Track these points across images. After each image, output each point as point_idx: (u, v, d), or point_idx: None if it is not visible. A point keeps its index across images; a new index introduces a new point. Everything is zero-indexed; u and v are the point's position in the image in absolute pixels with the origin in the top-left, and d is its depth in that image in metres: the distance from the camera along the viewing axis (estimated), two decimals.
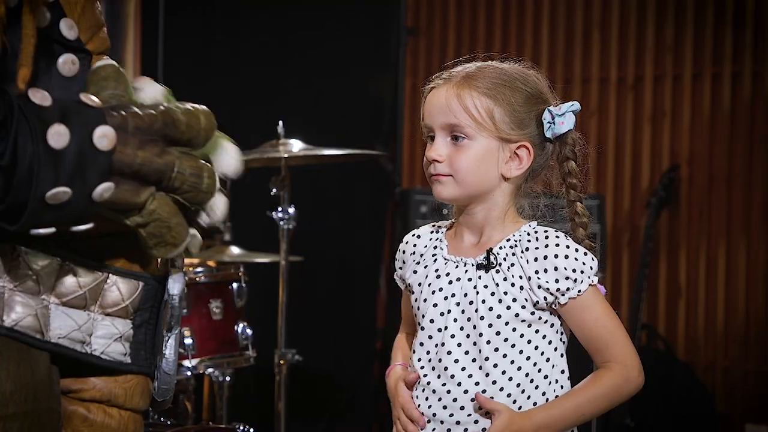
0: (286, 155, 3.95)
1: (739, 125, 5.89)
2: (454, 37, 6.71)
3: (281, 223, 4.00)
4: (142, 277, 1.83)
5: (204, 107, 1.77)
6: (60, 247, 1.75)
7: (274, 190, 3.99)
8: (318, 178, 5.90)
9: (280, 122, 4.03)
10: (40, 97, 1.59)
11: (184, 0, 5.67)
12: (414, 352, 2.45)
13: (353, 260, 6.59)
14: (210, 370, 3.74)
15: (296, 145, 4.04)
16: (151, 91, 1.75)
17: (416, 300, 2.45)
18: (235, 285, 3.84)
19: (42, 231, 1.63)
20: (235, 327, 3.80)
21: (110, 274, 1.80)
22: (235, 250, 4.50)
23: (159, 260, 1.89)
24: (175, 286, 1.86)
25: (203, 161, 1.76)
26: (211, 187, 1.74)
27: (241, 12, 6.07)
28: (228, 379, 3.97)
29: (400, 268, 2.55)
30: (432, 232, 2.52)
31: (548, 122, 2.37)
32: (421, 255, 2.49)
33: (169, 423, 3.56)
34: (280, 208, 3.99)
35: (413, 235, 2.56)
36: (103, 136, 1.60)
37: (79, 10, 1.85)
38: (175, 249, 1.76)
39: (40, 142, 1.55)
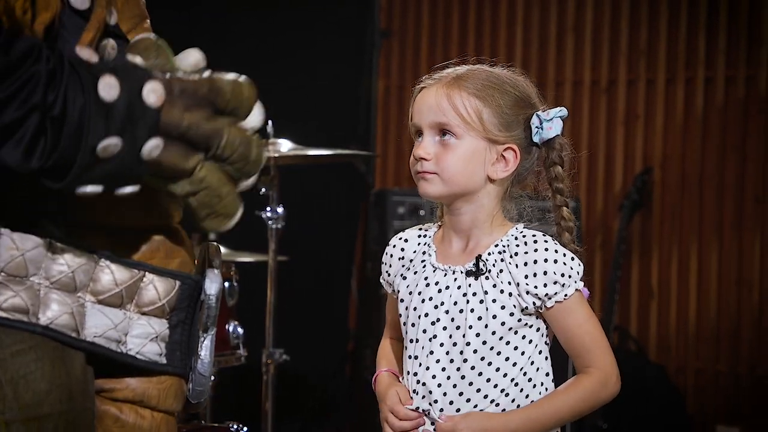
0: (275, 155, 3.95)
1: (712, 129, 5.95)
2: (428, 40, 6.74)
3: (270, 222, 4.00)
4: (179, 276, 1.80)
5: (246, 78, 1.75)
6: (97, 243, 1.73)
7: (263, 190, 3.99)
8: (292, 179, 5.89)
9: (269, 122, 4.02)
10: (88, 53, 1.58)
11: (165, 3, 5.66)
12: (407, 361, 2.45)
13: (327, 261, 6.59)
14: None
15: (285, 145, 4.04)
16: (192, 58, 1.75)
17: (406, 309, 2.46)
18: (226, 284, 3.83)
19: (89, 189, 1.59)
20: (227, 326, 3.80)
21: (147, 273, 1.77)
22: (221, 249, 4.49)
23: (196, 260, 1.88)
24: (212, 285, 1.83)
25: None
26: (260, 158, 1.72)
27: (219, 17, 6.08)
28: (213, 378, 3.96)
29: (387, 273, 2.54)
30: (420, 236, 2.51)
31: (536, 127, 2.39)
32: (411, 260, 2.49)
33: None
34: (268, 208, 3.98)
35: (400, 238, 2.54)
36: (152, 92, 1.59)
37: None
38: (228, 220, 1.72)
39: (91, 92, 1.53)
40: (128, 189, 1.64)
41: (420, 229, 2.54)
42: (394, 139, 6.80)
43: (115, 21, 1.81)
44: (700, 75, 5.98)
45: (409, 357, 2.43)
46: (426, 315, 2.41)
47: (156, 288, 1.78)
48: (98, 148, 1.54)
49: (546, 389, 2.41)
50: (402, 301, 2.47)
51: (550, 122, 2.39)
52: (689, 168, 6.00)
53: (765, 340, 5.78)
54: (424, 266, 2.45)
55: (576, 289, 2.34)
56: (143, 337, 1.77)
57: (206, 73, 1.69)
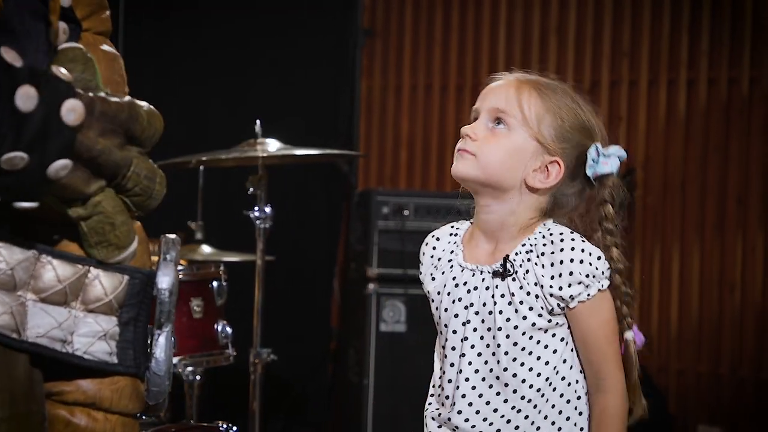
0: (263, 155, 3.94)
1: (694, 131, 5.97)
2: (411, 40, 6.74)
3: (258, 222, 3.99)
4: (127, 270, 1.72)
5: (155, 109, 1.69)
6: (39, 238, 1.66)
7: (251, 189, 3.98)
8: (276, 179, 5.89)
9: (258, 122, 4.02)
10: (12, 56, 1.49)
11: (146, 6, 5.66)
12: (441, 369, 2.45)
13: (310, 261, 6.59)
14: (189, 368, 3.73)
15: (274, 145, 4.04)
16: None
17: (437, 309, 2.45)
18: (215, 284, 3.84)
19: (25, 205, 1.53)
20: (215, 325, 3.80)
21: (91, 268, 1.69)
22: (206, 249, 4.49)
23: (149, 254, 1.81)
24: (164, 279, 1.75)
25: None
26: (160, 194, 1.66)
27: (203, 18, 6.08)
28: (198, 378, 3.95)
29: (421, 273, 2.52)
30: (451, 234, 2.50)
31: (593, 159, 2.36)
32: (439, 259, 2.47)
33: (154, 421, 3.55)
34: (256, 208, 3.98)
35: (433, 236, 2.53)
36: (72, 110, 1.51)
37: None
38: (119, 252, 1.66)
39: (7, 100, 1.45)
40: (25, 204, 1.55)
41: (452, 227, 2.52)
42: (377, 139, 6.80)
43: (69, 3, 1.73)
44: (682, 77, 6.00)
45: (441, 360, 2.43)
46: (456, 316, 2.40)
47: (102, 283, 1.69)
48: (2, 159, 1.46)
49: (580, 386, 2.38)
50: (432, 301, 2.47)
51: (608, 158, 2.35)
52: (671, 169, 6.03)
53: (746, 341, 5.81)
54: (452, 266, 2.44)
55: (599, 290, 2.32)
56: (90, 335, 1.69)
57: (126, 98, 1.63)
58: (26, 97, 1.46)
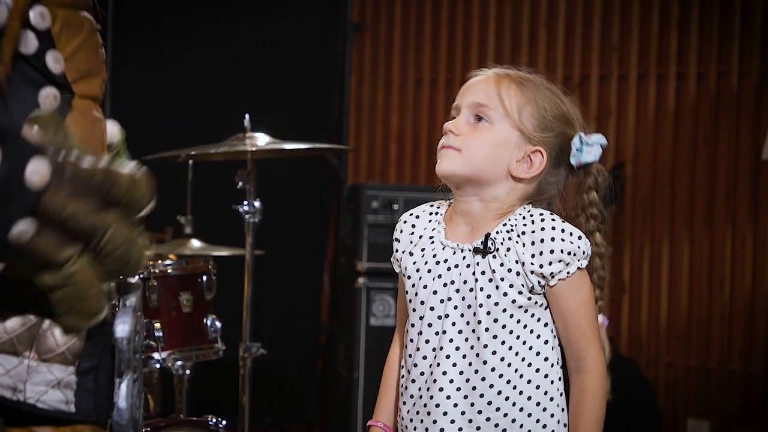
0: (252, 149, 3.94)
1: (684, 125, 5.98)
2: (400, 34, 6.74)
3: (247, 216, 3.98)
4: None
5: (145, 172, 1.60)
6: None
7: (240, 184, 3.98)
8: (264, 173, 5.89)
9: (246, 116, 4.02)
10: None
11: (135, 2, 5.66)
12: (410, 343, 2.44)
13: (299, 255, 6.59)
14: (179, 363, 3.72)
15: (263, 139, 4.03)
16: (110, 131, 1.68)
17: (413, 285, 2.44)
18: (204, 278, 3.83)
19: None
20: (204, 320, 3.79)
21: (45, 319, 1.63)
22: (195, 243, 4.49)
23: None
24: (122, 327, 1.71)
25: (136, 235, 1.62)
26: (139, 263, 1.59)
27: (191, 13, 6.08)
28: (188, 372, 3.95)
29: (397, 250, 2.51)
30: (431, 213, 2.51)
31: (577, 148, 2.41)
32: (420, 237, 2.47)
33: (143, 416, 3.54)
34: (245, 202, 3.98)
35: (411, 214, 2.53)
36: (35, 172, 1.43)
37: (72, 48, 1.73)
38: (89, 320, 1.57)
39: None
40: None
41: (431, 206, 2.53)
42: (367, 133, 6.80)
43: (61, 70, 1.69)
44: (671, 71, 6.01)
45: (414, 337, 2.43)
46: (435, 293, 2.40)
47: (53, 335, 1.65)
48: None
49: (560, 368, 2.40)
50: (409, 278, 2.45)
51: (591, 147, 2.41)
52: (661, 163, 6.04)
53: (735, 334, 5.83)
54: (432, 243, 2.44)
55: (578, 268, 2.34)
56: (44, 384, 1.65)
57: (103, 163, 1.55)
58: None
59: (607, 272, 2.47)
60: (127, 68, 5.56)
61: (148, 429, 3.32)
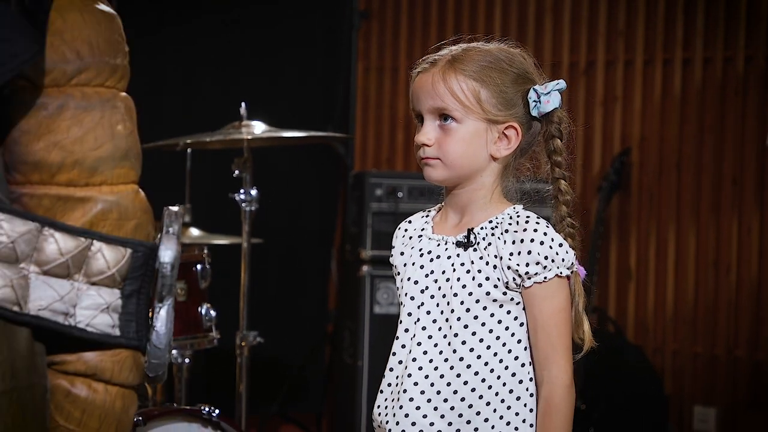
0: (249, 137, 3.93)
1: (690, 110, 5.95)
2: (407, 21, 6.72)
3: (243, 205, 3.98)
4: (129, 243, 1.73)
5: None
6: (40, 209, 1.68)
7: (236, 172, 3.98)
8: (269, 161, 5.89)
9: (243, 104, 4.01)
10: None
11: None
12: (396, 335, 2.46)
13: (302, 243, 6.60)
14: (174, 351, 3.72)
15: (259, 127, 4.03)
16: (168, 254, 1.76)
17: (401, 280, 2.48)
18: (199, 266, 3.82)
19: None
20: (199, 308, 3.79)
21: (94, 240, 1.70)
22: (194, 231, 4.49)
23: (151, 225, 1.82)
24: (166, 253, 1.76)
25: None
26: None
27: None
28: (187, 361, 3.95)
29: (392, 255, 2.56)
30: (422, 216, 2.54)
31: (534, 101, 2.40)
32: (410, 238, 2.51)
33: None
34: (242, 190, 3.97)
35: (406, 221, 2.58)
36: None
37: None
38: None
39: None
40: None
41: (424, 211, 2.56)
42: (374, 121, 6.79)
43: None
44: (678, 56, 5.98)
45: (399, 322, 2.44)
46: (416, 283, 2.43)
47: (105, 257, 1.71)
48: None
49: (530, 363, 2.39)
50: (398, 274, 2.50)
51: (548, 96, 2.40)
52: (667, 149, 6.01)
53: (742, 321, 5.80)
54: (421, 239, 2.47)
55: (557, 275, 2.34)
56: (93, 308, 1.71)
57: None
58: None
59: (576, 220, 2.47)
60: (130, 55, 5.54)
61: (140, 417, 3.32)
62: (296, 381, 6.34)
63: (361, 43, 6.77)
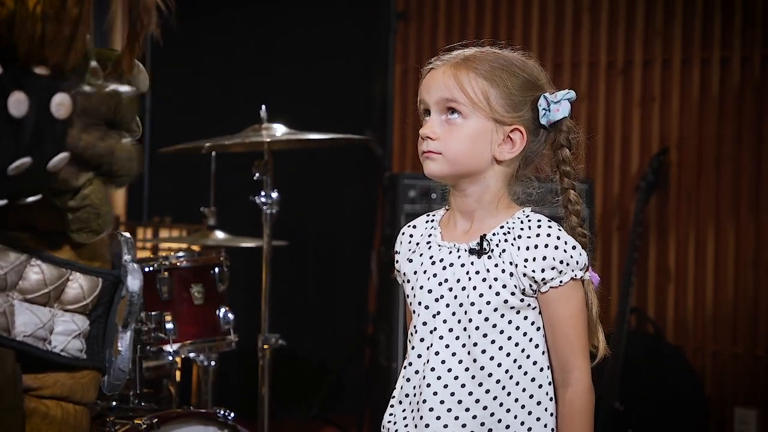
0: (268, 140, 3.95)
1: (728, 109, 5.89)
2: (445, 22, 6.71)
3: (264, 207, 3.99)
4: (101, 273, 1.80)
5: (132, 90, 1.74)
6: (29, 243, 1.73)
7: (257, 175, 3.99)
8: (306, 163, 5.91)
9: (263, 107, 4.02)
10: None
11: None
12: (411, 345, 2.45)
13: (342, 245, 6.60)
14: (192, 354, 3.74)
15: (280, 130, 4.04)
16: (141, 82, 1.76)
17: (412, 288, 2.46)
18: (216, 269, 3.84)
19: (30, 198, 1.60)
20: (217, 312, 3.80)
21: (74, 271, 1.77)
22: (219, 234, 4.51)
23: (110, 254, 1.86)
24: (134, 282, 1.83)
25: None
26: (137, 170, 1.74)
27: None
28: (213, 363, 3.97)
29: (397, 261, 2.54)
30: (427, 221, 2.53)
31: (543, 109, 2.39)
32: (417, 244, 2.49)
33: (153, 407, 3.59)
34: (263, 193, 3.98)
35: (409, 226, 2.56)
36: (61, 105, 1.56)
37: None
38: (96, 236, 1.73)
39: (1, 109, 1.51)
40: (31, 199, 1.63)
41: (427, 215, 2.55)
42: (412, 123, 6.77)
43: None
44: (716, 55, 5.92)
45: (415, 331, 2.43)
46: (430, 291, 2.41)
47: (81, 286, 1.77)
48: (9, 169, 1.53)
49: (549, 368, 2.40)
50: (408, 281, 2.48)
51: (558, 104, 2.39)
52: (705, 149, 5.96)
53: None
54: (429, 246, 2.45)
55: (572, 278, 2.34)
56: (67, 334, 1.76)
57: (108, 89, 1.67)
58: (18, 103, 1.51)
59: (587, 229, 2.45)
60: (164, 58, 5.59)
61: (156, 419, 3.34)
62: (336, 383, 6.35)
63: (398, 45, 6.77)
